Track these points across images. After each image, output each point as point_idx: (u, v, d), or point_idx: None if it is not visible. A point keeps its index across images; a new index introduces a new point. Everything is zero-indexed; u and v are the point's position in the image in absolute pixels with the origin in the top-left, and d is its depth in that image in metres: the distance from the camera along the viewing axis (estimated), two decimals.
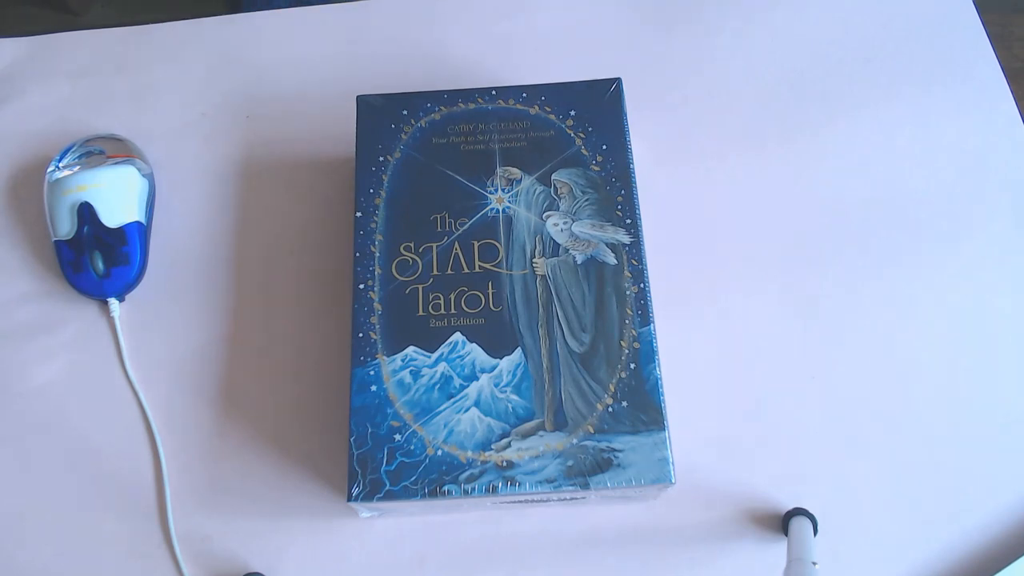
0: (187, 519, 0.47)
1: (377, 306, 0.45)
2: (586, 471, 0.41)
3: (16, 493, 0.48)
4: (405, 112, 0.49)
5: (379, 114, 0.49)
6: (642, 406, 0.42)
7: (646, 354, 0.43)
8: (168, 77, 0.58)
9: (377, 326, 0.44)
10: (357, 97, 0.50)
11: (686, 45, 0.58)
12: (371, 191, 0.47)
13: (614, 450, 0.42)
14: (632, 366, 0.43)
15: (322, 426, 0.49)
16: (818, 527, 0.46)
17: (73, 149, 0.53)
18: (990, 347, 0.51)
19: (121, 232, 0.51)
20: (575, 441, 0.42)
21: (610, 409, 0.42)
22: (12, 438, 0.49)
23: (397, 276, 0.45)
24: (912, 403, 0.50)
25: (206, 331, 0.51)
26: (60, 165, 0.52)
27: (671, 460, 0.41)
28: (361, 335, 0.44)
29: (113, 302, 0.51)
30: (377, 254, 0.46)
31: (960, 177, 0.55)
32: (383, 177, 0.48)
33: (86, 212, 0.50)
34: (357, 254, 0.46)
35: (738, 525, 0.47)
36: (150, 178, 0.53)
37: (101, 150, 0.53)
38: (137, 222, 0.51)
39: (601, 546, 0.47)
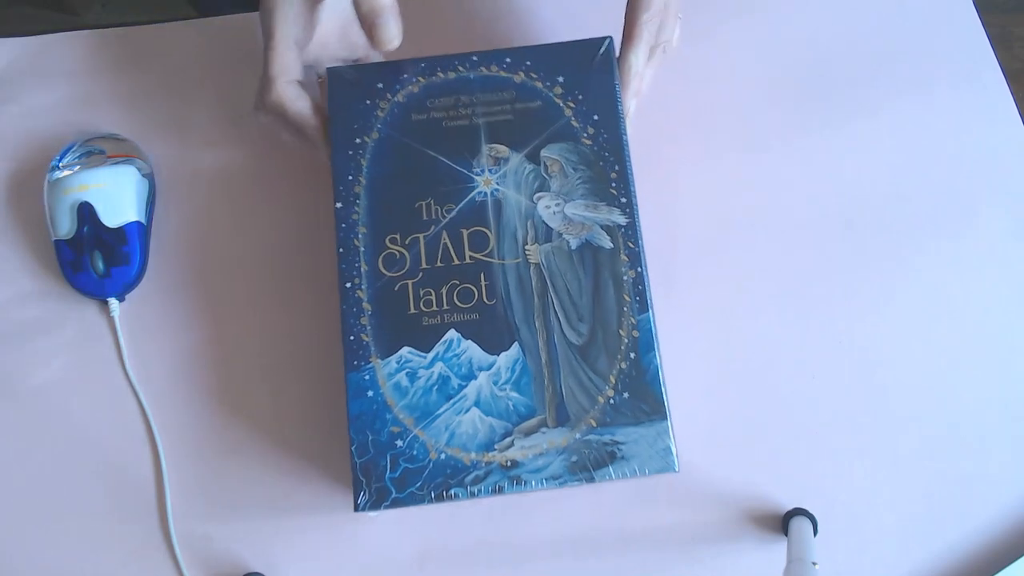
0: (187, 519, 0.47)
1: (367, 306, 0.43)
2: (590, 465, 0.41)
3: (16, 493, 0.48)
4: (380, 86, 0.46)
5: (352, 89, 0.46)
6: (643, 396, 0.42)
7: (646, 343, 0.42)
8: (168, 77, 0.58)
9: (368, 327, 0.43)
10: (327, 69, 0.47)
11: (686, 44, 0.58)
12: (349, 178, 0.45)
13: (617, 443, 0.41)
14: (632, 355, 0.42)
15: (322, 425, 0.49)
16: (818, 527, 0.46)
17: (73, 149, 0.53)
18: (991, 348, 0.51)
19: (121, 232, 0.51)
20: (578, 436, 0.41)
21: (611, 401, 0.42)
22: (12, 438, 0.49)
23: (385, 272, 0.43)
24: (912, 403, 0.50)
25: (206, 331, 0.51)
26: (60, 165, 0.52)
27: (674, 450, 0.41)
28: (352, 338, 0.43)
29: (113, 302, 0.51)
30: (362, 248, 0.44)
31: (960, 177, 0.55)
32: (361, 161, 0.45)
33: (86, 212, 0.50)
34: (341, 250, 0.44)
35: (738, 525, 0.47)
36: (150, 178, 0.53)
37: (101, 150, 0.53)
38: (137, 222, 0.51)
39: (601, 546, 0.47)
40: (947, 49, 0.58)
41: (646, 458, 0.41)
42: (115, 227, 0.51)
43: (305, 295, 0.52)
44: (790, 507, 0.47)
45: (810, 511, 0.47)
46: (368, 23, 0.44)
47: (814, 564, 0.42)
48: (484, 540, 0.47)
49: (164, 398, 0.50)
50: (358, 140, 0.45)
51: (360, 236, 0.44)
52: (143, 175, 0.53)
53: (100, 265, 0.50)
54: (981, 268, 0.52)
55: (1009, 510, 0.48)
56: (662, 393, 0.42)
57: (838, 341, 0.51)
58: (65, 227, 0.50)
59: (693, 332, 0.51)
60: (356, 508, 0.41)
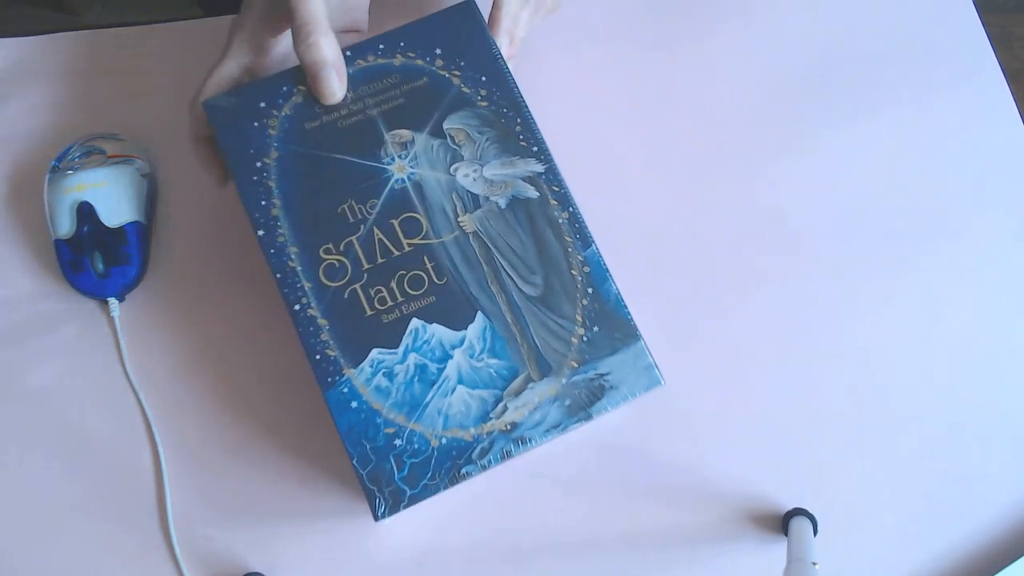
0: (187, 519, 0.47)
1: (322, 322, 0.42)
2: (585, 404, 0.42)
3: (16, 493, 0.48)
4: (263, 104, 0.45)
5: (235, 115, 0.45)
6: (612, 325, 0.42)
7: (598, 275, 0.43)
8: (168, 77, 0.58)
9: (331, 342, 0.42)
10: (202, 104, 0.46)
11: (686, 43, 0.58)
12: (263, 203, 0.44)
13: (602, 375, 0.42)
14: (590, 290, 0.43)
15: (322, 425, 0.49)
16: (818, 527, 0.46)
17: (73, 149, 0.53)
18: (991, 348, 0.51)
19: (121, 232, 0.51)
20: (564, 381, 0.42)
21: (585, 339, 0.42)
22: (12, 438, 0.49)
23: (329, 284, 0.43)
24: (912, 403, 0.50)
25: (206, 331, 0.51)
26: (60, 165, 0.52)
27: (655, 364, 0.42)
28: (319, 357, 0.42)
29: (113, 302, 0.51)
30: (299, 268, 0.43)
31: (960, 177, 0.55)
32: (270, 184, 0.44)
33: (86, 212, 0.50)
34: (278, 275, 0.43)
35: (738, 525, 0.47)
36: (150, 178, 0.53)
37: (101, 150, 0.53)
38: (137, 222, 0.51)
39: (602, 547, 0.47)
40: (947, 49, 0.58)
41: (633, 381, 0.42)
42: (115, 227, 0.51)
43: None
44: (790, 507, 0.47)
45: (810, 511, 0.47)
46: (311, 75, 0.44)
47: (814, 564, 0.42)
48: (483, 540, 0.47)
49: (164, 398, 0.50)
50: (259, 164, 0.44)
51: (293, 256, 0.43)
52: (143, 175, 0.53)
53: (100, 265, 0.50)
54: (981, 268, 0.52)
55: (1009, 510, 0.48)
56: (628, 317, 0.43)
57: (838, 341, 0.51)
58: (65, 227, 0.50)
59: (693, 332, 0.51)
60: (376, 518, 0.41)
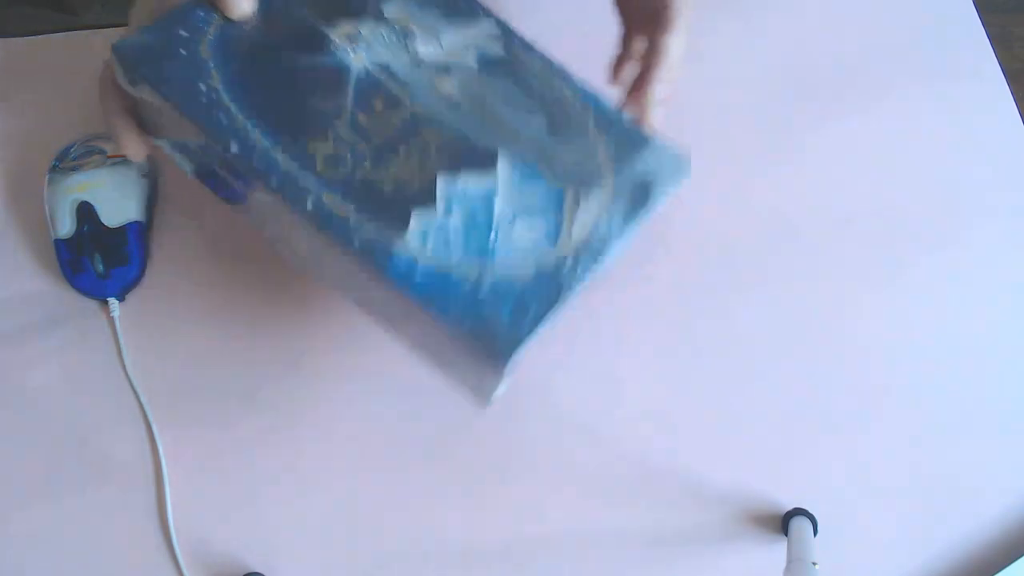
0: (187, 519, 0.47)
1: (347, 206, 0.39)
2: (640, 202, 0.41)
3: (15, 493, 0.48)
4: (184, 33, 0.41)
5: (155, 50, 0.40)
6: (623, 131, 0.43)
7: (591, 97, 0.43)
8: None
9: (366, 221, 0.39)
10: (113, 48, 0.40)
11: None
12: (225, 123, 0.39)
13: (639, 175, 0.42)
14: (591, 110, 0.43)
15: (323, 426, 0.49)
16: (818, 527, 0.46)
17: (73, 149, 0.53)
18: (990, 348, 0.51)
19: (121, 232, 0.51)
20: (610, 190, 0.41)
21: (608, 147, 0.42)
22: (11, 438, 0.49)
23: (333, 172, 0.40)
24: (913, 403, 0.50)
25: (206, 331, 0.51)
26: (60, 165, 0.52)
27: (679, 152, 0.42)
28: (359, 243, 0.38)
29: (113, 302, 0.51)
30: (295, 165, 0.39)
31: (960, 177, 0.55)
32: (224, 103, 0.40)
33: (86, 212, 0.50)
34: (273, 180, 0.39)
35: (738, 525, 0.47)
36: (150, 178, 0.53)
37: (101, 150, 0.53)
38: (137, 222, 0.51)
39: (602, 547, 0.47)
40: (947, 48, 0.58)
41: (668, 173, 0.42)
42: (115, 227, 0.51)
43: (306, 293, 0.52)
44: (790, 507, 0.47)
45: (810, 511, 0.47)
46: None
47: (814, 564, 0.42)
48: (484, 539, 0.47)
49: (164, 398, 0.50)
50: (202, 86, 0.40)
51: (282, 159, 0.39)
52: (143, 175, 0.53)
53: (100, 265, 0.50)
54: (981, 268, 0.52)
55: (1009, 510, 0.48)
56: (635, 125, 0.43)
57: (838, 341, 0.51)
58: (65, 227, 0.50)
59: (692, 331, 0.51)
60: (505, 363, 0.37)
